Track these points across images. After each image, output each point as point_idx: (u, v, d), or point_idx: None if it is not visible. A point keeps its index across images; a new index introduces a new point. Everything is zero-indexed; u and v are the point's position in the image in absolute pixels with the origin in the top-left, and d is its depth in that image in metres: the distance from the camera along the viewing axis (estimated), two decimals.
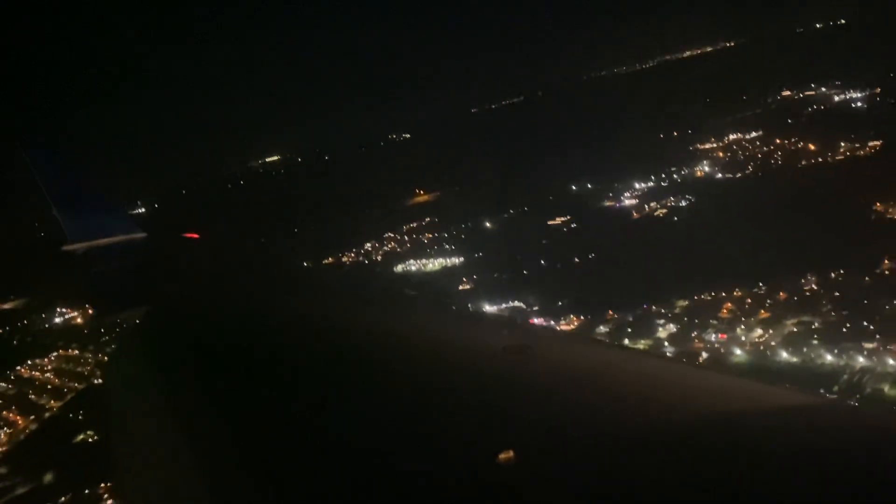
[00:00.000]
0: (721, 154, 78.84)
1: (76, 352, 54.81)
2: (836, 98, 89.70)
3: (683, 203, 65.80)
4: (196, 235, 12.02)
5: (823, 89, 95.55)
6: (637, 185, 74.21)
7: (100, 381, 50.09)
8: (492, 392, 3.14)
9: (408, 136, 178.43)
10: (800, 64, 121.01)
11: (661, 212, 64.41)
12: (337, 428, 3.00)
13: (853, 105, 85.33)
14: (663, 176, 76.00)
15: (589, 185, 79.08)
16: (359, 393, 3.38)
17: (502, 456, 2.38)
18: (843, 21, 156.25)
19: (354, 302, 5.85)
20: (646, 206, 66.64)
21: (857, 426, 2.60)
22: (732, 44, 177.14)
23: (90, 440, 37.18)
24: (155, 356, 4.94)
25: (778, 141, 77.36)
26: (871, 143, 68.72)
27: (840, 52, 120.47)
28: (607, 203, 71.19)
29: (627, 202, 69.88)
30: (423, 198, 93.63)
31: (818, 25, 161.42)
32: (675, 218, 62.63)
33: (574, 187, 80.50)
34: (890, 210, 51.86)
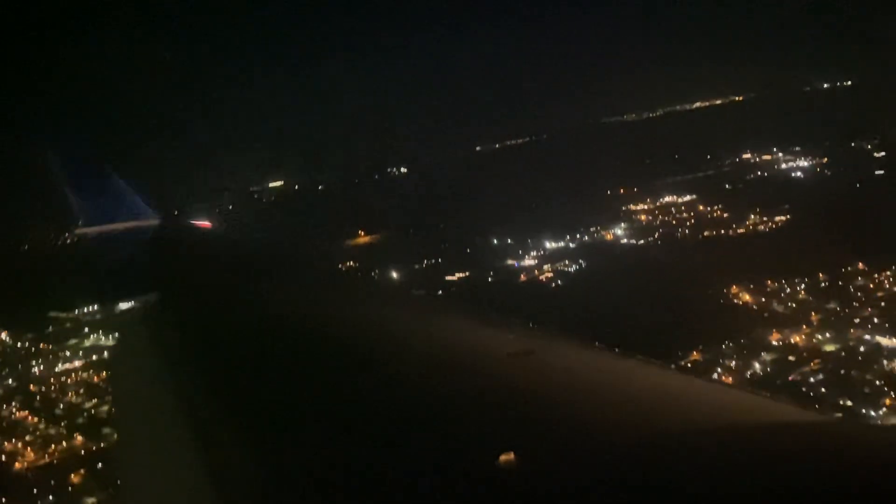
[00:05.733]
0: (643, 217, 77.46)
1: None
2: (783, 165, 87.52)
3: (572, 269, 64.70)
4: (208, 224, 12.62)
5: (780, 154, 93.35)
6: (547, 245, 73.37)
7: None
8: (495, 396, 3.18)
9: (405, 170, 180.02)
10: (778, 125, 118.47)
11: (546, 276, 63.44)
12: (339, 427, 3.07)
13: (793, 174, 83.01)
14: (577, 236, 75.06)
15: (509, 241, 78.55)
16: (362, 392, 3.44)
17: (503, 458, 2.40)
18: (849, 82, 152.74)
19: (362, 300, 5.95)
20: (536, 270, 65.73)
21: (863, 445, 2.61)
22: (741, 98, 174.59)
23: None
24: (163, 343, 5.05)
25: (700, 208, 75.66)
26: (777, 218, 66.56)
27: (823, 116, 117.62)
28: (509, 261, 70.46)
29: (527, 262, 69.05)
30: (363, 239, 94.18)
31: (825, 85, 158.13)
32: (553, 285, 61.59)
33: (495, 241, 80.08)
34: (740, 295, 50.03)
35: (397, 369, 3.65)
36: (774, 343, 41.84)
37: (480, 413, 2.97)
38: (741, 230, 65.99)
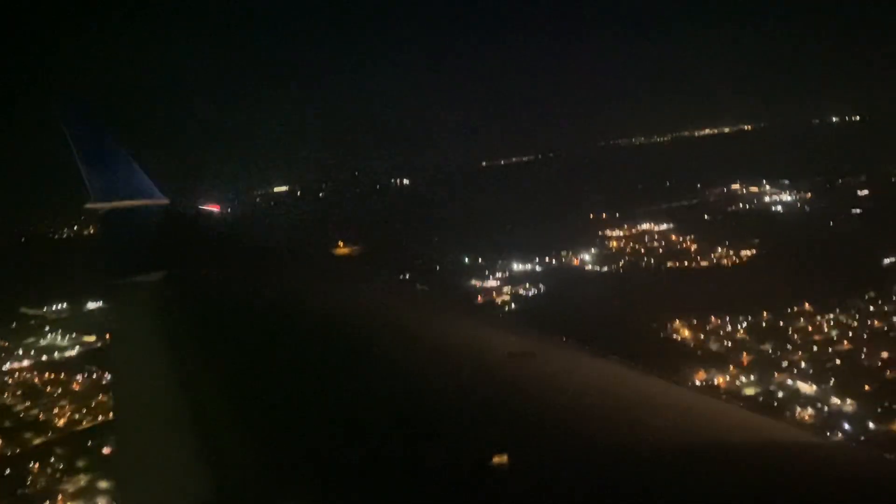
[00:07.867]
0: (615, 244, 76.64)
1: None
2: (765, 199, 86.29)
3: (530, 293, 64.05)
4: (217, 207, 12.85)
5: (768, 187, 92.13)
6: (515, 266, 72.82)
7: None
8: (492, 396, 3.21)
9: (407, 182, 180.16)
10: (778, 157, 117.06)
11: (502, 299, 62.80)
12: (334, 422, 3.06)
13: (773, 208, 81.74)
14: (546, 259, 74.40)
15: (479, 260, 78.04)
16: (360, 386, 3.44)
17: (496, 459, 2.41)
18: (857, 117, 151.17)
19: (367, 294, 5.95)
20: (495, 292, 65.12)
21: (865, 469, 2.63)
22: (749, 127, 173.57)
23: None
24: (166, 323, 5.06)
25: (672, 238, 74.67)
26: (743, 253, 65.42)
27: (823, 150, 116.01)
28: (474, 282, 69.84)
29: (490, 283, 68.45)
30: (341, 251, 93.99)
31: (834, 119, 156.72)
32: (507, 308, 60.95)
33: (466, 259, 79.62)
34: (680, 330, 49.09)
35: (396, 362, 3.61)
36: (697, 383, 40.83)
37: (477, 412, 2.93)
38: (704, 263, 64.90)
